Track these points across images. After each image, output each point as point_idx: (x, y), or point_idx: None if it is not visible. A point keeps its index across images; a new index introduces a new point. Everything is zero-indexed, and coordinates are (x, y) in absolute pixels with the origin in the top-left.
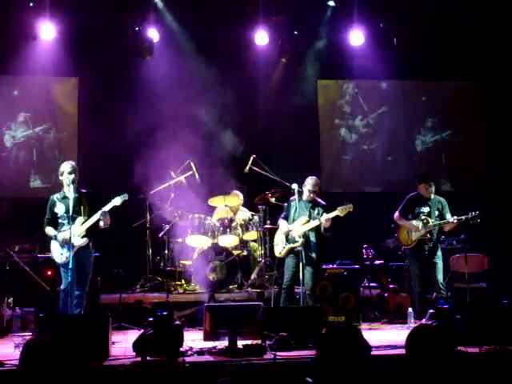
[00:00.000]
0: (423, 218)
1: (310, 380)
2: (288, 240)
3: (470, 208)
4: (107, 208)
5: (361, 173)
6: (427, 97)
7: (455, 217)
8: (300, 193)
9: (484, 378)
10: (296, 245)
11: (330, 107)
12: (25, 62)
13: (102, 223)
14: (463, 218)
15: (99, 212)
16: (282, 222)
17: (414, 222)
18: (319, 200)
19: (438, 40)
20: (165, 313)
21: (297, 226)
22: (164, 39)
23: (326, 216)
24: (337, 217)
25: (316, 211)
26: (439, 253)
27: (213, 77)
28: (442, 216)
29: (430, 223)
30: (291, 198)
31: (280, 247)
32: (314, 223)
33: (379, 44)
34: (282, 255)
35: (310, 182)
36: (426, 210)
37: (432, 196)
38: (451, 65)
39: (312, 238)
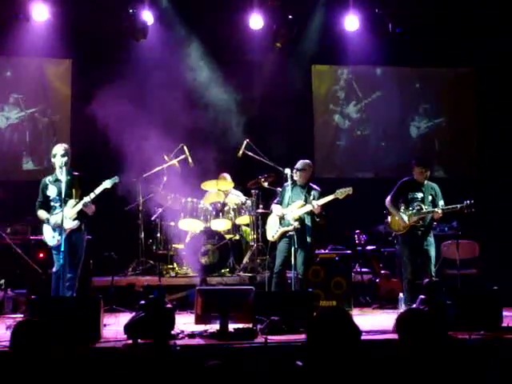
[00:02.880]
0: (416, 204)
1: (299, 364)
2: (282, 223)
3: (464, 195)
4: (98, 191)
5: (354, 158)
6: (421, 83)
7: (442, 206)
8: (293, 178)
9: (472, 363)
10: (289, 228)
11: (324, 93)
12: (18, 43)
13: (87, 211)
14: (458, 206)
15: (90, 195)
16: (275, 207)
17: (404, 216)
18: (314, 186)
19: (433, 27)
20: (156, 296)
21: (291, 210)
22: (158, 22)
23: (318, 201)
24: (336, 199)
25: (312, 196)
26: (431, 239)
27: (206, 61)
28: (435, 202)
29: (423, 210)
30: (285, 184)
31: (273, 231)
32: (308, 207)
33: (374, 30)
34: (275, 239)
35: (300, 163)
36: (419, 195)
37: (425, 182)
38: (445, 52)
39: (308, 221)
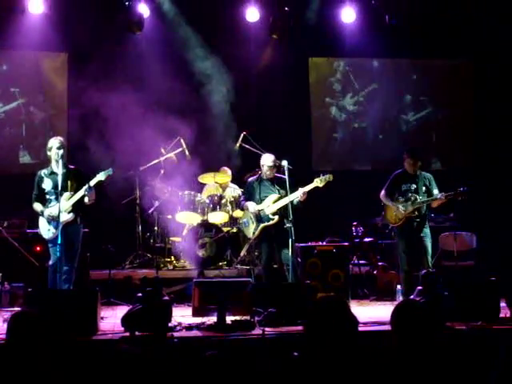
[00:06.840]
0: (410, 195)
1: (296, 354)
2: (261, 219)
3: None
4: (92, 183)
5: (351, 151)
6: (418, 75)
7: (443, 193)
8: (289, 170)
9: (469, 354)
10: (271, 223)
11: (320, 85)
12: (13, 37)
13: (86, 199)
14: (451, 193)
15: (84, 187)
16: (248, 203)
17: (400, 206)
18: (279, 175)
19: (429, 18)
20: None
21: (268, 204)
22: (154, 14)
23: (302, 190)
24: (316, 188)
25: (288, 184)
26: (427, 230)
27: (203, 53)
28: (429, 192)
29: (418, 200)
30: (249, 180)
31: (252, 228)
32: (286, 199)
33: (371, 22)
34: (256, 235)
35: (267, 159)
36: (412, 186)
37: (418, 172)
38: (441, 43)
39: (286, 211)
